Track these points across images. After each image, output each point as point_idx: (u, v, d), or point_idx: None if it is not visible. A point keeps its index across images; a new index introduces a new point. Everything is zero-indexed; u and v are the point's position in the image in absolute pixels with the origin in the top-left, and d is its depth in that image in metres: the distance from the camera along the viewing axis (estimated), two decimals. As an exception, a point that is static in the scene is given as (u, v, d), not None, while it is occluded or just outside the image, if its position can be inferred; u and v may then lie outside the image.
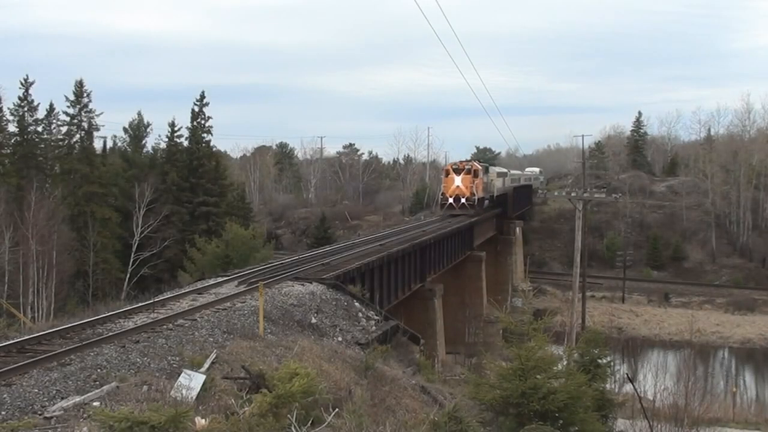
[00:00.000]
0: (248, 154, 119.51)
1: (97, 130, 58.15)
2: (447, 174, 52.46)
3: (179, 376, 12.22)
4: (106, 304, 31.58)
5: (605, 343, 19.35)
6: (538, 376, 13.17)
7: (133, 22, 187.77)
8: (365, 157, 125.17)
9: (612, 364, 20.23)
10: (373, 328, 20.68)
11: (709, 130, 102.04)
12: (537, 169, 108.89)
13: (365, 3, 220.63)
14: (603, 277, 73.47)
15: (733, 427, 31.22)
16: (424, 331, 32.16)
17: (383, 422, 12.27)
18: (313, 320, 19.11)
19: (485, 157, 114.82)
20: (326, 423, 11.04)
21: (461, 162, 54.30)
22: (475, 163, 54.08)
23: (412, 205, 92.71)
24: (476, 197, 51.25)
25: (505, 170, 73.22)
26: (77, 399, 10.84)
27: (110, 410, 9.51)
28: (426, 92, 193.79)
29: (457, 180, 50.90)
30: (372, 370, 16.04)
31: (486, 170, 57.61)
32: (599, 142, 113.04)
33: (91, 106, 56.04)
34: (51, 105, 56.61)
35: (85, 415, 10.31)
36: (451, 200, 50.90)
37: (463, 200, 50.69)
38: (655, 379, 28.85)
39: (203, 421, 10.19)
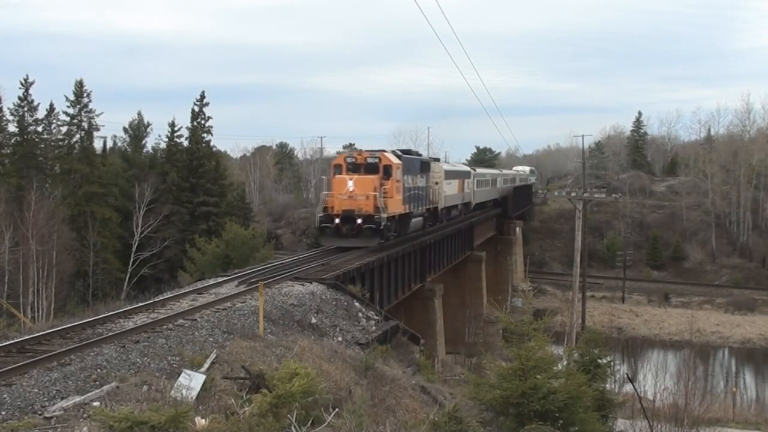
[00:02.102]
0: (248, 154, 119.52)
1: (97, 130, 58.26)
2: (336, 171, 30.23)
3: (179, 376, 12.22)
4: (106, 304, 31.62)
5: (605, 343, 19.38)
6: (538, 376, 13.17)
7: (133, 23, 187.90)
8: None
9: (612, 364, 20.24)
10: (373, 328, 20.68)
11: (709, 130, 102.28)
12: (528, 168, 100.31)
13: (366, 3, 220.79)
14: (603, 277, 73.54)
15: (733, 427, 31.25)
16: (424, 331, 32.19)
17: (383, 422, 12.28)
18: (313, 320, 19.11)
19: (485, 157, 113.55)
20: (326, 423, 11.05)
21: (361, 152, 31.01)
22: (388, 155, 30.85)
23: None
24: (383, 216, 28.33)
25: (466, 168, 51.91)
26: (77, 399, 10.84)
27: (110, 410, 9.52)
28: (426, 92, 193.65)
29: (351, 183, 28.79)
30: (372, 370, 16.04)
31: (421, 167, 35.58)
32: (599, 142, 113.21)
33: (91, 106, 56.18)
34: (51, 105, 56.76)
35: (85, 415, 10.31)
36: (337, 220, 28.48)
37: (359, 221, 28.19)
38: (655, 379, 28.88)
39: (203, 421, 10.20)
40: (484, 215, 57.27)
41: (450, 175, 42.81)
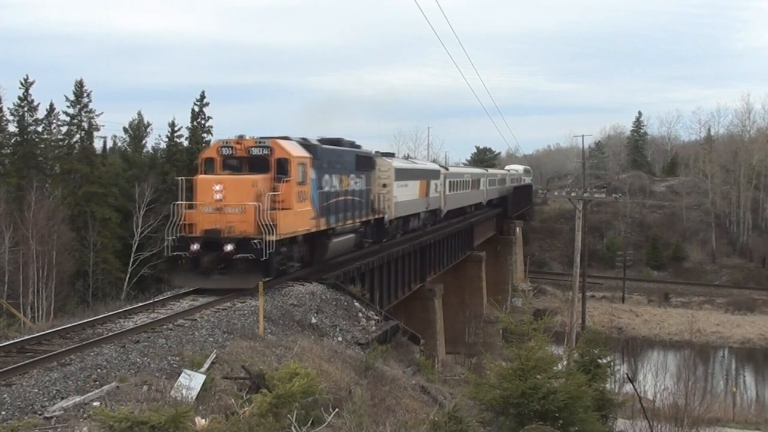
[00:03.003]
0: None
1: (97, 130, 58.21)
2: (206, 168, 20.96)
3: (179, 376, 12.23)
4: (106, 304, 31.63)
5: (605, 343, 19.42)
6: (538, 376, 13.20)
7: (133, 23, 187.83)
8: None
9: (612, 364, 20.28)
10: (373, 328, 20.68)
11: (709, 130, 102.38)
12: (521, 167, 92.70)
13: (366, 3, 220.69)
14: (603, 277, 73.62)
15: (733, 427, 31.31)
16: (424, 331, 32.21)
17: (383, 422, 12.28)
18: (313, 320, 19.12)
19: (485, 157, 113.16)
20: (326, 423, 11.04)
21: (242, 140, 20.98)
22: (285, 144, 21.15)
23: None
24: (270, 239, 18.75)
25: (432, 167, 42.31)
26: (77, 399, 10.85)
27: (110, 410, 9.53)
28: (426, 92, 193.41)
29: (219, 187, 19.33)
30: (372, 370, 16.06)
31: (358, 163, 26.86)
32: (599, 142, 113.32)
33: (91, 106, 56.04)
34: (51, 105, 56.62)
35: (85, 415, 10.32)
36: (196, 246, 18.88)
37: (229, 247, 18.68)
38: (655, 379, 29.00)
39: (203, 421, 10.20)
40: (484, 215, 57.21)
41: (405, 174, 33.29)
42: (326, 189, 23.09)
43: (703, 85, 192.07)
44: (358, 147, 28.34)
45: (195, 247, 18.74)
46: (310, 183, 21.63)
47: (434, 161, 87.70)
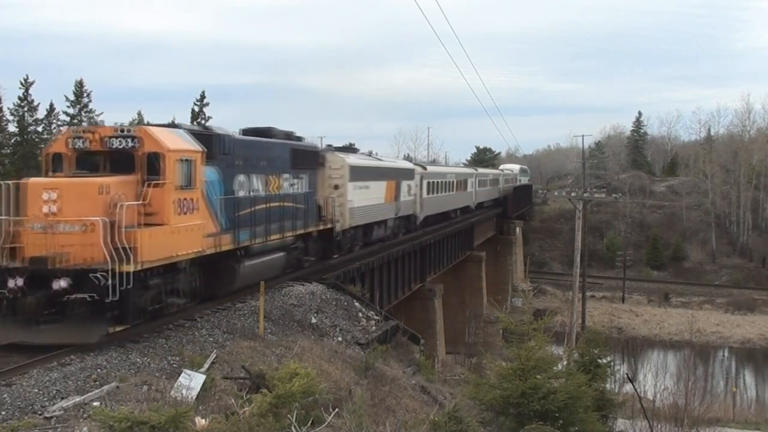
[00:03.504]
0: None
1: (97, 130, 58.29)
2: (53, 168, 14.80)
3: (179, 376, 12.24)
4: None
5: (605, 343, 19.43)
6: (538, 376, 13.21)
7: (133, 23, 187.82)
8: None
9: (612, 364, 20.29)
10: (373, 328, 20.69)
11: (709, 130, 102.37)
12: (517, 167, 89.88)
13: (366, 3, 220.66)
14: (603, 277, 73.65)
15: (733, 427, 31.32)
16: (424, 331, 32.21)
17: (383, 422, 12.28)
18: (313, 320, 19.13)
19: (485, 157, 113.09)
20: (326, 423, 11.05)
21: (96, 128, 14.86)
22: (157, 132, 14.77)
23: None
24: (126, 268, 12.85)
25: (405, 165, 37.29)
26: (77, 399, 10.86)
27: (110, 410, 9.53)
28: (426, 92, 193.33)
29: (50, 196, 13.10)
30: (372, 370, 16.08)
31: (294, 159, 21.43)
32: (599, 142, 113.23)
33: (91, 106, 56.12)
34: (51, 105, 56.68)
35: (85, 415, 10.33)
36: (17, 282, 12.59)
37: (62, 283, 12.46)
38: (655, 379, 29.00)
39: (203, 421, 10.21)
40: (485, 215, 57.24)
41: (365, 173, 27.79)
42: (240, 194, 17.80)
43: (703, 85, 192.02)
44: (299, 139, 23.00)
45: (16, 283, 12.74)
46: (205, 187, 15.94)
47: (434, 161, 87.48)
